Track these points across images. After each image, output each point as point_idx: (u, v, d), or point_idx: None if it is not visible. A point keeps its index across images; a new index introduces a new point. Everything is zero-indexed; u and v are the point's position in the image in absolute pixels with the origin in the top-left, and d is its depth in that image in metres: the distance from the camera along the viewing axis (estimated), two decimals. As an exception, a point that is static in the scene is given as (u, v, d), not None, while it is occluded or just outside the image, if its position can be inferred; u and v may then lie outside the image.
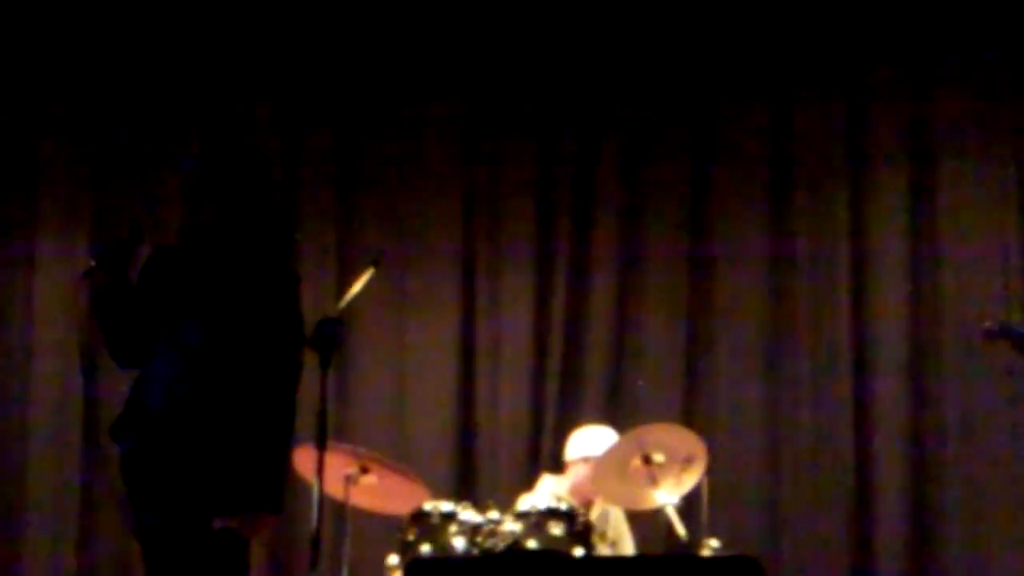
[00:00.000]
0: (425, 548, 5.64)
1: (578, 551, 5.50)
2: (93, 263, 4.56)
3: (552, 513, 5.63)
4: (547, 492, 6.33)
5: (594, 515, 6.18)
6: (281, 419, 4.39)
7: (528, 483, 6.71)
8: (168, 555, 4.39)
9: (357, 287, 5.56)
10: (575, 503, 6.00)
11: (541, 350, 7.66)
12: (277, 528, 7.12)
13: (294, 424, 4.40)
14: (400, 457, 6.83)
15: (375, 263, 5.67)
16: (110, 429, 4.54)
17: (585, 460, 6.43)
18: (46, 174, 7.79)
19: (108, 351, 4.63)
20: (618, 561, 5.73)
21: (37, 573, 7.56)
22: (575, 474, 6.49)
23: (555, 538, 5.56)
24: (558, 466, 6.73)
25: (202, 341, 4.44)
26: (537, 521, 5.60)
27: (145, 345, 4.53)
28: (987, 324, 5.38)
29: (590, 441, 6.51)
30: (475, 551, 5.56)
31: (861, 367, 7.43)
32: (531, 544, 5.53)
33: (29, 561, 7.56)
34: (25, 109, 7.80)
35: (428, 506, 5.78)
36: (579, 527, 5.64)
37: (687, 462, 6.02)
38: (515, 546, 5.49)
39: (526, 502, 5.83)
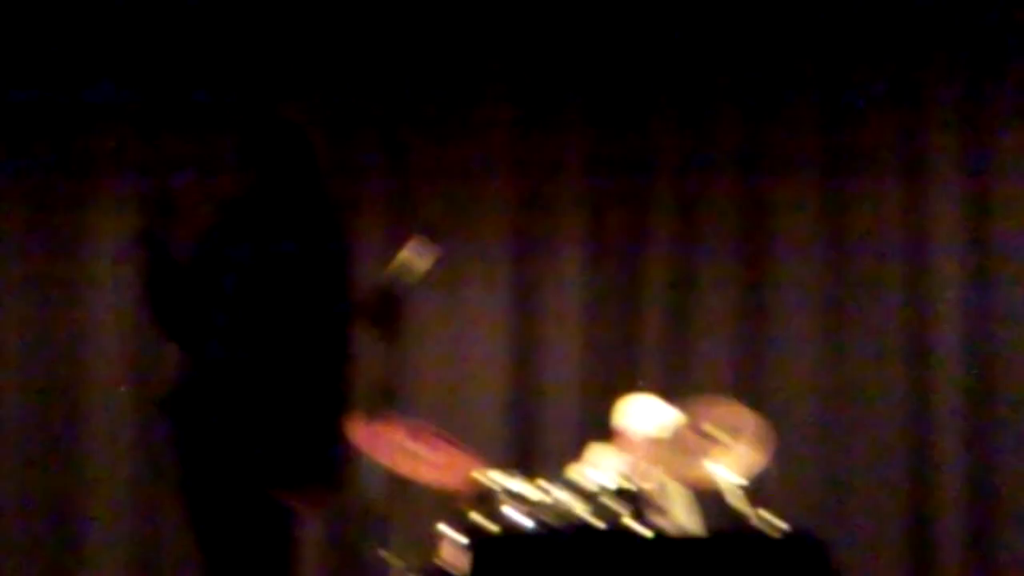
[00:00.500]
0: (482, 522, 5.62)
1: (645, 530, 5.50)
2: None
3: (615, 491, 5.63)
4: (608, 467, 6.32)
5: (656, 491, 6.18)
6: (333, 394, 4.45)
7: (580, 452, 6.71)
8: (219, 526, 4.44)
9: (420, 267, 5.54)
10: (641, 481, 6.01)
11: (594, 322, 7.66)
12: (334, 502, 7.36)
13: (347, 398, 4.46)
14: (454, 429, 6.85)
15: (425, 233, 5.63)
16: (160, 401, 4.59)
17: (645, 436, 6.42)
18: (100, 155, 7.83)
19: (159, 324, 4.66)
20: (684, 540, 5.72)
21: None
22: (627, 446, 6.47)
23: (619, 515, 5.56)
24: (606, 437, 6.72)
25: (249, 319, 4.47)
26: (597, 497, 5.60)
27: (198, 325, 4.56)
28: None
29: (643, 414, 6.50)
30: (535, 527, 5.56)
31: (916, 346, 7.42)
32: (589, 519, 5.52)
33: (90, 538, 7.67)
34: (79, 91, 7.82)
35: (488, 480, 5.77)
36: (642, 505, 5.64)
37: (750, 440, 6.03)
38: (583, 525, 5.49)
39: (589, 477, 5.81)
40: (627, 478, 5.75)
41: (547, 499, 5.63)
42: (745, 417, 6.06)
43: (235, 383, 4.45)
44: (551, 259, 7.76)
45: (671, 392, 6.73)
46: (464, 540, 5.76)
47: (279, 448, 4.39)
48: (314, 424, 4.42)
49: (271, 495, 4.37)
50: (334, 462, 4.46)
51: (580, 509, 5.56)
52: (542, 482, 5.72)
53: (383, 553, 6.06)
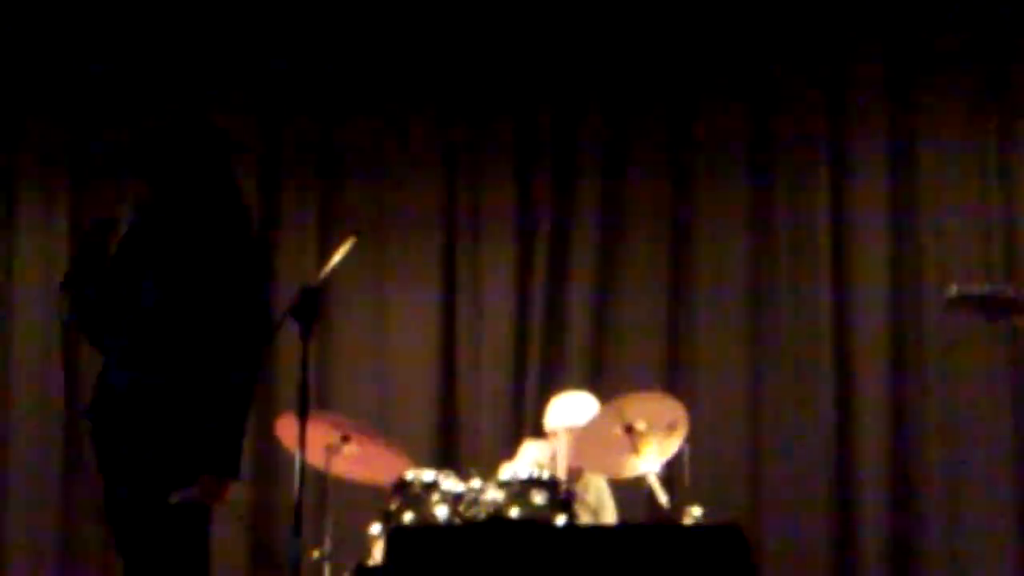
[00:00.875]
0: (408, 517, 5.64)
1: (560, 520, 5.50)
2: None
3: (534, 482, 5.62)
4: (529, 460, 6.33)
5: (576, 483, 6.18)
6: (237, 384, 4.40)
7: (510, 452, 6.72)
8: (133, 527, 4.41)
9: (338, 257, 5.54)
10: (559, 472, 6.01)
11: (522, 319, 7.68)
12: (258, 498, 7.35)
13: (252, 389, 4.42)
14: (382, 426, 6.84)
15: (356, 233, 5.66)
16: (86, 409, 4.56)
17: (566, 429, 6.43)
18: (27, 138, 7.88)
19: (79, 327, 4.67)
20: (600, 529, 5.73)
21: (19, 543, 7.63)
22: (557, 443, 6.49)
23: (537, 507, 5.56)
24: (539, 434, 6.74)
25: (156, 310, 4.45)
26: (519, 490, 5.59)
27: (111, 322, 4.54)
28: (949, 293, 5.35)
29: (571, 409, 6.51)
30: (457, 520, 5.56)
31: (842, 335, 7.44)
32: (513, 513, 5.52)
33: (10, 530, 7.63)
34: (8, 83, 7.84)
35: (410, 475, 5.77)
36: (561, 496, 5.64)
37: (669, 429, 6.04)
38: (497, 515, 5.48)
39: (508, 471, 5.83)
40: (547, 470, 5.75)
41: (471, 493, 5.63)
42: (669, 408, 6.07)
43: (137, 378, 4.44)
44: (479, 255, 7.77)
45: (598, 389, 6.74)
46: (379, 528, 5.78)
47: (182, 441, 4.36)
48: (214, 415, 4.38)
49: (175, 494, 4.34)
50: (236, 453, 4.41)
51: (503, 503, 5.56)
52: (469, 479, 5.72)
53: (313, 553, 6.08)
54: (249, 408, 4.44)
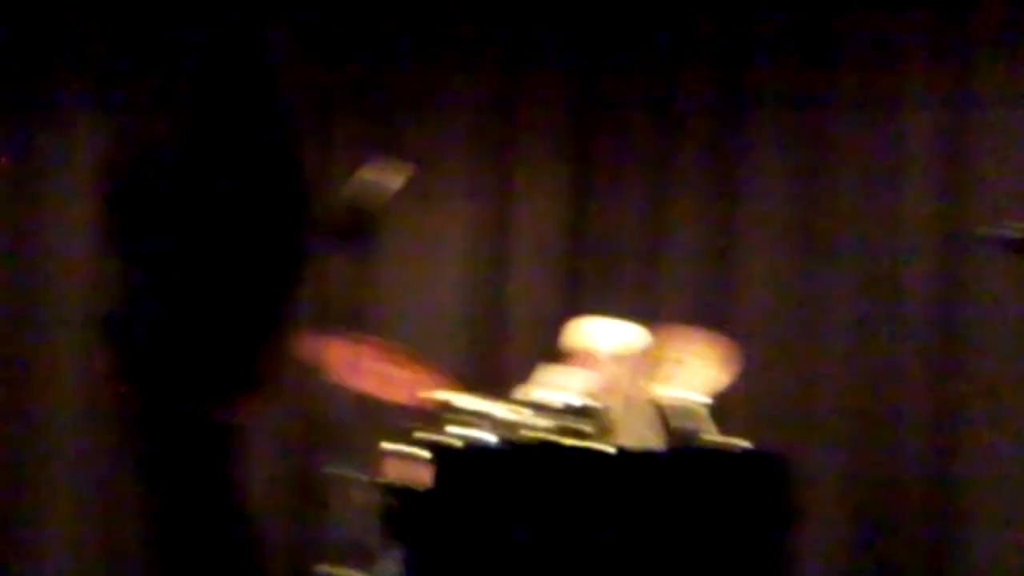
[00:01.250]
0: (443, 439, 5.63)
1: (609, 448, 5.51)
2: None
3: (579, 409, 5.63)
4: (575, 385, 6.33)
5: (623, 410, 6.19)
6: (273, 303, 4.50)
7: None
8: (159, 444, 4.48)
9: (392, 184, 5.51)
10: (606, 397, 6.02)
11: (568, 248, 7.67)
12: (295, 418, 7.37)
13: (287, 308, 4.51)
14: (420, 349, 6.87)
15: (409, 162, 5.61)
16: (104, 322, 4.61)
17: (601, 352, 6.43)
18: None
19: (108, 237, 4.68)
20: (647, 456, 5.73)
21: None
22: (596, 367, 6.48)
23: (583, 434, 5.57)
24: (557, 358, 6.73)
25: (199, 236, 4.50)
26: (563, 415, 5.61)
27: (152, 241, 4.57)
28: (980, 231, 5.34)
29: (606, 333, 6.52)
30: (500, 444, 5.57)
31: (891, 281, 7.45)
32: (561, 439, 5.53)
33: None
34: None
35: (452, 398, 5.78)
36: (607, 424, 5.65)
37: (717, 364, 6.06)
38: (545, 441, 5.49)
39: (548, 394, 5.82)
40: (590, 395, 5.76)
41: (510, 416, 5.64)
42: (710, 341, 6.08)
43: (179, 299, 4.48)
44: (522, 184, 7.75)
45: (643, 316, 6.74)
46: (426, 454, 5.78)
47: (215, 359, 4.43)
48: (251, 338, 4.45)
49: (212, 409, 4.42)
50: (267, 375, 4.50)
51: (543, 427, 5.57)
52: (506, 402, 5.73)
53: (344, 470, 6.09)
54: (284, 327, 4.51)
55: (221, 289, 4.46)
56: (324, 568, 5.84)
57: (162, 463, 4.47)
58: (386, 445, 5.88)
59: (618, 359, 6.24)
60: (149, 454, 4.49)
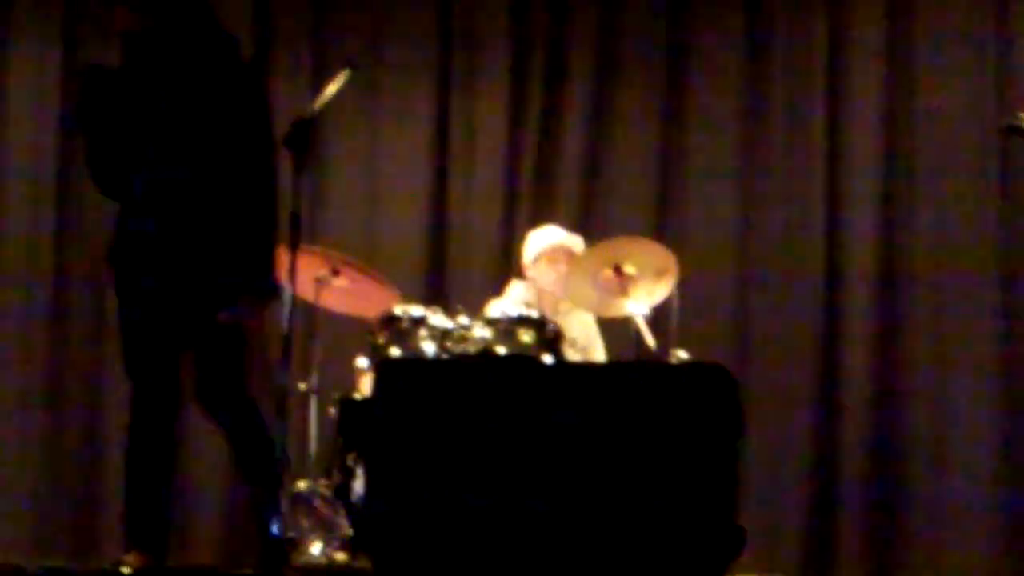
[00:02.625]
0: (395, 351, 5.67)
1: (548, 358, 5.52)
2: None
3: (522, 320, 5.64)
4: (517, 298, 6.35)
5: (563, 320, 6.20)
6: (266, 213, 4.64)
7: (498, 291, 6.73)
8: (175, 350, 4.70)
9: (332, 89, 5.47)
10: (545, 309, 6.03)
11: (514, 160, 7.64)
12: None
13: (277, 217, 4.66)
14: (371, 261, 6.84)
15: (350, 65, 5.58)
16: (108, 256, 4.77)
17: (542, 254, 6.44)
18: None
19: (93, 178, 4.82)
20: (588, 367, 5.75)
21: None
22: (540, 272, 6.49)
23: (525, 345, 5.58)
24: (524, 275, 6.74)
25: (172, 143, 4.63)
26: (507, 327, 5.62)
27: (125, 167, 4.71)
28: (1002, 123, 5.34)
29: (543, 235, 6.52)
30: (445, 356, 5.58)
31: (834, 188, 7.42)
32: (501, 350, 5.54)
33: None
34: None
35: (399, 310, 5.79)
36: (549, 335, 5.66)
37: (658, 275, 6.06)
38: (485, 351, 5.50)
39: (496, 308, 5.85)
40: (534, 307, 5.76)
41: (458, 329, 5.64)
42: (659, 254, 6.07)
43: (176, 222, 4.65)
44: (473, 94, 7.71)
45: (587, 229, 6.72)
46: (365, 362, 5.80)
47: (220, 269, 4.60)
48: (249, 243, 4.62)
49: (221, 314, 4.61)
50: (270, 275, 4.68)
51: (491, 340, 5.58)
52: (457, 316, 5.73)
53: (300, 385, 6.10)
54: (276, 228, 4.66)
55: (210, 200, 4.63)
56: (301, 484, 5.87)
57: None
58: (360, 360, 5.89)
59: (544, 255, 6.24)
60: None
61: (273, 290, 4.70)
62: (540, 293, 6.46)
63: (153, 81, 4.69)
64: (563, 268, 6.35)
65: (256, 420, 4.76)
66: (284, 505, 4.73)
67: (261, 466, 4.67)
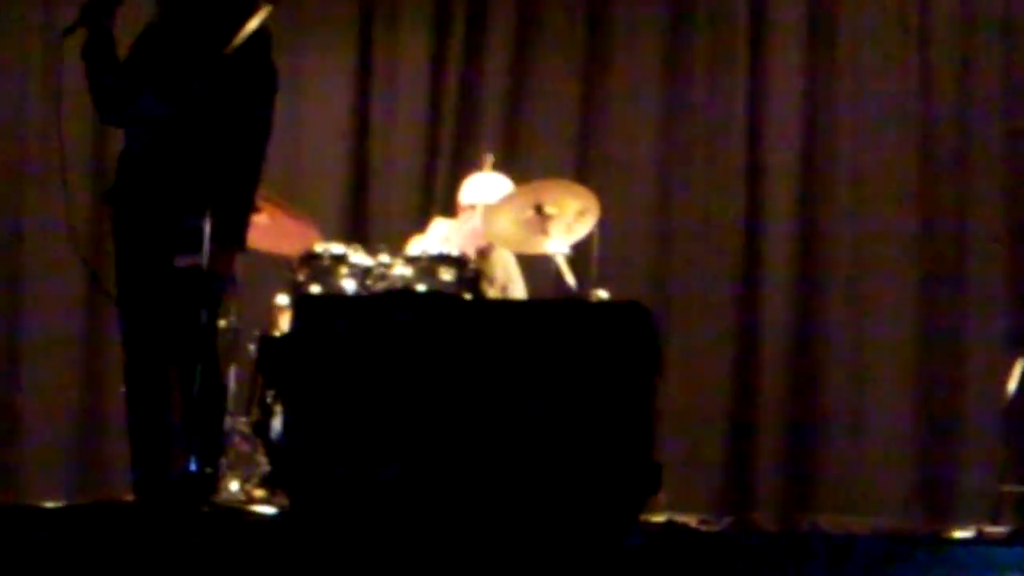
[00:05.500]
0: (315, 289, 5.65)
1: (467, 296, 5.53)
2: (75, 21, 4.80)
3: (443, 259, 5.65)
4: (439, 237, 6.34)
5: (483, 258, 6.20)
6: (249, 164, 4.74)
7: (420, 227, 6.72)
8: (143, 294, 4.72)
9: (252, 25, 5.42)
10: (467, 249, 6.03)
11: (436, 98, 7.64)
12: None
13: (259, 167, 4.79)
14: (292, 197, 6.81)
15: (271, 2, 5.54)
16: (105, 196, 4.86)
17: (482, 206, 6.43)
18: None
19: (95, 105, 4.90)
20: (507, 304, 5.75)
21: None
22: (467, 219, 6.49)
23: (445, 283, 5.59)
24: (450, 211, 6.73)
25: (176, 96, 4.71)
26: (427, 266, 5.62)
27: (128, 102, 4.79)
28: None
29: (484, 188, 6.51)
30: (365, 294, 5.57)
31: (754, 135, 7.48)
32: (421, 288, 5.54)
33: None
34: None
35: (319, 247, 5.77)
36: (469, 273, 5.66)
37: (579, 215, 6.07)
38: (405, 289, 5.50)
39: (417, 246, 5.84)
40: (455, 246, 5.76)
41: (379, 268, 5.63)
42: (580, 195, 6.08)
43: (156, 156, 4.72)
44: (395, 31, 7.69)
45: (510, 173, 6.72)
46: (285, 299, 5.78)
47: (193, 212, 4.57)
48: (226, 191, 4.65)
49: (180, 259, 4.62)
50: (242, 225, 4.72)
51: (411, 278, 5.57)
52: (378, 254, 5.72)
53: (220, 322, 6.07)
54: (256, 185, 4.75)
55: (196, 146, 4.68)
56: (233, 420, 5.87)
57: (144, 310, 4.74)
58: (280, 298, 5.87)
59: (485, 208, 6.24)
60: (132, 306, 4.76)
61: (240, 244, 4.70)
62: (465, 233, 6.44)
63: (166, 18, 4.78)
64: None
65: (208, 367, 4.69)
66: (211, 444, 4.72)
67: (202, 414, 4.64)
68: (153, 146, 4.73)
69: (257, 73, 4.81)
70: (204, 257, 4.53)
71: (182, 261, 4.60)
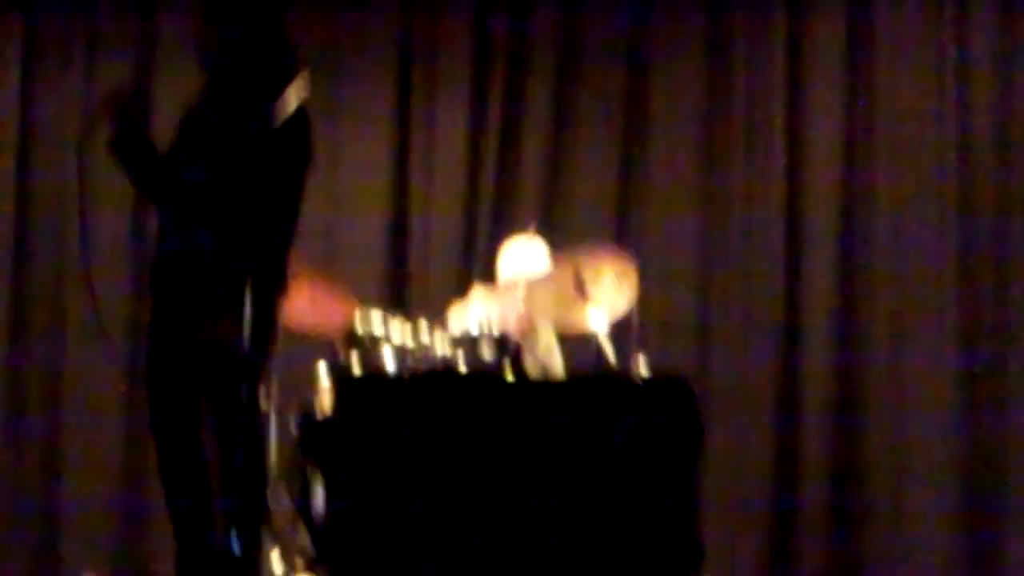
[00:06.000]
0: (356, 369, 5.62)
1: (509, 375, 5.51)
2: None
3: (483, 337, 5.62)
4: (479, 310, 6.31)
5: (525, 335, 6.18)
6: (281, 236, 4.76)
7: (460, 295, 6.70)
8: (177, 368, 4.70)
9: (293, 97, 5.45)
10: (508, 324, 6.00)
11: (475, 164, 7.66)
12: None
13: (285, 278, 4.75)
14: (332, 266, 6.82)
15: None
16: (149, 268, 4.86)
17: (517, 282, 6.41)
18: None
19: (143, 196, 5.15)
20: (549, 385, 5.73)
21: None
22: (507, 293, 6.46)
23: (487, 362, 5.56)
24: (489, 275, 6.71)
25: (200, 183, 4.66)
26: (469, 345, 5.60)
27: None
28: None
29: (524, 260, 6.49)
30: (406, 372, 5.55)
31: (794, 193, 7.47)
32: (462, 368, 5.52)
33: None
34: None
35: (359, 328, 5.74)
36: (511, 352, 5.64)
37: (619, 288, 6.05)
38: (447, 368, 5.48)
39: (457, 318, 5.81)
40: (496, 322, 5.74)
41: (417, 343, 5.61)
42: (619, 263, 6.06)
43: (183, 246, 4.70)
44: (434, 99, 7.72)
45: (550, 237, 6.72)
46: (327, 381, 5.76)
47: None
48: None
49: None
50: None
51: (451, 353, 5.56)
52: (418, 328, 5.70)
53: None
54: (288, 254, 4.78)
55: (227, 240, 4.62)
56: None
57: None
58: (320, 371, 5.85)
59: (526, 284, 6.22)
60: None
61: (275, 317, 4.70)
62: (505, 306, 6.42)
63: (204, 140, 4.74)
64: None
65: (250, 430, 4.69)
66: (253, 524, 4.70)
67: (243, 480, 4.63)
68: (188, 217, 4.72)
69: (295, 149, 4.83)
70: (244, 329, 4.48)
71: (216, 332, 4.58)
